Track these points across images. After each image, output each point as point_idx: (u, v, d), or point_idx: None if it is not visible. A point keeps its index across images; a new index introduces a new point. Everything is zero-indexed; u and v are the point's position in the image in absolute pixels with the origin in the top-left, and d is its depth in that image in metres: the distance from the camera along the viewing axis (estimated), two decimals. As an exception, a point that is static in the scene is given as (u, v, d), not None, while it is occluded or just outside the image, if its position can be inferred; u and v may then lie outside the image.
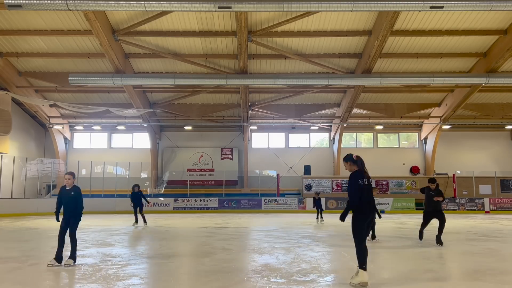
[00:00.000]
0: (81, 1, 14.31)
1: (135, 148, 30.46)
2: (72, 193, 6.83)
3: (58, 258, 6.75)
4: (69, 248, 6.89)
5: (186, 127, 28.59)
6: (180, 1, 14.60)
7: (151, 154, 29.12)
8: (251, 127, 28.75)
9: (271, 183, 28.80)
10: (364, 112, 27.75)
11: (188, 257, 8.10)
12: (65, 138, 29.86)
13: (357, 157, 5.76)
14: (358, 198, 5.44)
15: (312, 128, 29.77)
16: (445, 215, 9.67)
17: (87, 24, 18.27)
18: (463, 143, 30.22)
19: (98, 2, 14.40)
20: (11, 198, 23.18)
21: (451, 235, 12.19)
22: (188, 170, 29.54)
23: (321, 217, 17.25)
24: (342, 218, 5.63)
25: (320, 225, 15.74)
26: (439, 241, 9.36)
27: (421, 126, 30.30)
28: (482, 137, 30.23)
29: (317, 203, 17.58)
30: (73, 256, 6.85)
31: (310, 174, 28.07)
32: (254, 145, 30.42)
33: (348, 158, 5.76)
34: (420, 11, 15.84)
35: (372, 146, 30.91)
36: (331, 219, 18.26)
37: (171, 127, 29.95)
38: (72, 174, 6.96)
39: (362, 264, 5.41)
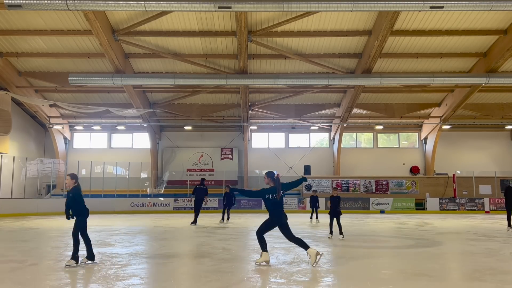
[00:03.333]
0: (81, 1, 14.30)
1: (135, 148, 30.46)
2: None
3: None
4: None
5: (186, 127, 28.59)
6: (180, 1, 14.60)
7: (151, 154, 29.12)
8: (251, 127, 28.74)
9: (271, 183, 28.75)
10: (364, 112, 27.75)
11: (188, 257, 8.10)
12: (65, 138, 29.86)
13: (277, 175, 7.20)
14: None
15: (312, 128, 29.77)
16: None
17: (87, 24, 18.27)
18: (463, 143, 30.20)
19: (98, 2, 14.40)
20: (11, 198, 23.16)
21: (451, 235, 12.19)
22: (188, 170, 29.53)
23: (317, 217, 17.28)
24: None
25: (316, 224, 15.70)
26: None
27: (421, 126, 30.30)
28: (482, 137, 30.21)
29: (313, 201, 17.42)
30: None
31: (310, 174, 28.06)
32: (254, 145, 30.41)
33: (270, 175, 7.13)
34: (420, 11, 15.85)
35: (372, 146, 30.91)
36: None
37: (171, 127, 29.95)
38: None
39: (264, 248, 6.96)
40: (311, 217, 17.46)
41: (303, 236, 11.54)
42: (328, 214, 11.48)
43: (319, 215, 17.54)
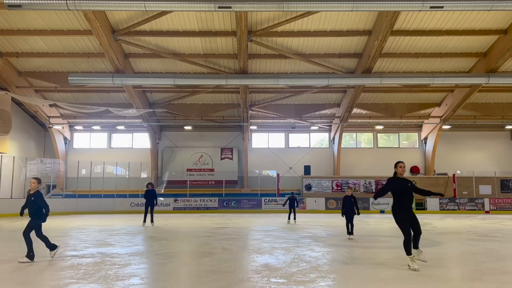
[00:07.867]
0: (81, 1, 14.30)
1: (135, 148, 30.46)
2: None
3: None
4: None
5: (186, 127, 28.58)
6: (180, 1, 14.60)
7: (151, 154, 29.12)
8: (251, 127, 28.74)
9: (271, 183, 28.79)
10: (364, 112, 27.75)
11: (188, 257, 8.10)
12: (65, 138, 29.85)
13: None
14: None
15: (312, 128, 29.77)
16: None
17: (87, 24, 18.27)
18: (463, 143, 30.20)
19: (98, 2, 14.40)
20: (11, 198, 23.16)
21: (451, 235, 12.18)
22: (188, 170, 29.54)
23: (294, 218, 16.68)
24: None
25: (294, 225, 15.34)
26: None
27: (421, 126, 30.30)
28: (482, 137, 30.22)
29: (291, 202, 16.82)
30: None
31: (310, 174, 28.06)
32: (254, 145, 30.41)
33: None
34: (420, 11, 15.83)
35: (372, 146, 30.90)
36: (332, 219, 18.28)
37: (171, 127, 29.95)
38: None
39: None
40: (288, 218, 16.85)
41: (303, 236, 11.54)
42: (343, 215, 10.96)
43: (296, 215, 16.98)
